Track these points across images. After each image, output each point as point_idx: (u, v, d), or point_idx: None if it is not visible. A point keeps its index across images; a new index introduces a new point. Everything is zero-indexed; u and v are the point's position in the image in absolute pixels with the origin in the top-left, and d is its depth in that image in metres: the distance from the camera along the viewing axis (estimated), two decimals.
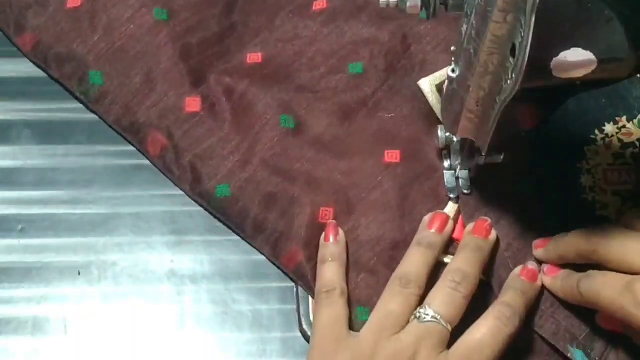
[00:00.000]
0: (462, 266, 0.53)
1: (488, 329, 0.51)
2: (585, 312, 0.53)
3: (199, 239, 0.61)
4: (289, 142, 0.61)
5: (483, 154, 0.52)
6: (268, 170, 0.60)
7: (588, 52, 0.42)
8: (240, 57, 0.65)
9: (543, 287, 0.55)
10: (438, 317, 0.51)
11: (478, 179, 0.59)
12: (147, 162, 0.63)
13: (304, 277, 0.58)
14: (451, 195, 0.59)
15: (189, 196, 0.61)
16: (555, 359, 0.55)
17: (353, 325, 0.55)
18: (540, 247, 0.55)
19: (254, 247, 0.60)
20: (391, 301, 0.52)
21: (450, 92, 0.52)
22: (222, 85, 0.63)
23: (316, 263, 0.57)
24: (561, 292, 0.53)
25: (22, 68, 0.66)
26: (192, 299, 0.59)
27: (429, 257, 0.54)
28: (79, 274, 0.58)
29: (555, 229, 0.56)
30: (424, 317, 0.51)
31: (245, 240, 0.60)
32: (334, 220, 0.58)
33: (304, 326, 0.57)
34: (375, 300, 0.54)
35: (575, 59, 0.42)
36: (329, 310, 0.53)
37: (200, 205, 0.61)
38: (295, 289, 0.58)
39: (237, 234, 0.60)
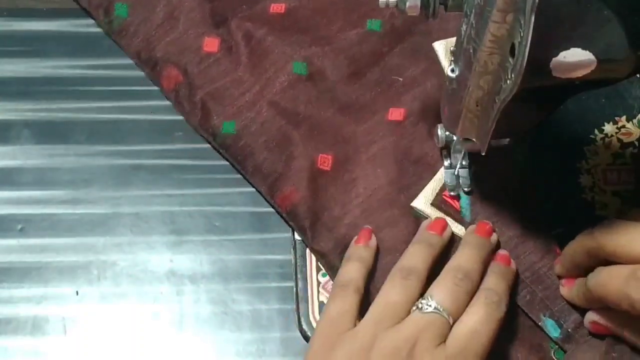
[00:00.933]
0: (464, 263, 0.53)
1: (480, 316, 0.51)
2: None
3: (199, 239, 0.61)
4: (299, 88, 0.63)
5: (483, 154, 0.52)
6: (274, 112, 0.61)
7: (588, 52, 0.42)
8: (263, 5, 0.66)
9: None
10: (441, 309, 0.50)
11: (478, 178, 0.59)
12: (147, 162, 0.63)
13: (296, 218, 0.59)
14: (452, 194, 0.59)
15: (195, 130, 0.63)
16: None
17: None
18: (558, 263, 0.56)
19: (252, 185, 0.61)
20: (391, 292, 0.52)
21: (450, 92, 0.52)
22: (242, 30, 0.65)
23: (310, 206, 0.58)
24: (576, 298, 0.54)
25: (22, 68, 0.66)
26: (191, 299, 0.59)
27: (429, 253, 0.54)
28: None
29: (555, 229, 0.56)
30: (427, 308, 0.50)
31: (245, 178, 0.62)
32: (369, 227, 0.58)
33: (304, 326, 0.57)
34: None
35: (575, 59, 0.42)
36: (340, 304, 0.53)
37: (206, 140, 0.63)
38: (295, 289, 0.58)
39: (238, 171, 0.62)
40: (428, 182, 0.59)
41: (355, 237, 0.57)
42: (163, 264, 0.60)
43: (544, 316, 0.55)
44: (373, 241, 0.57)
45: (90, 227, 0.61)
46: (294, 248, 0.60)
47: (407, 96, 0.62)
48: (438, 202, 0.59)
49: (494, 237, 0.56)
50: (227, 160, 0.62)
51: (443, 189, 0.59)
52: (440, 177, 0.59)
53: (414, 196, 0.59)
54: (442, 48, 0.60)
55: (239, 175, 0.63)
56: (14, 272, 0.59)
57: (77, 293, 0.58)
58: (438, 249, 0.55)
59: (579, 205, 0.59)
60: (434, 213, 0.58)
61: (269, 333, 0.58)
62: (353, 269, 0.55)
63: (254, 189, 0.62)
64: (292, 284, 0.59)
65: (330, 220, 0.59)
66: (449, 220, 0.58)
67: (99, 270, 0.59)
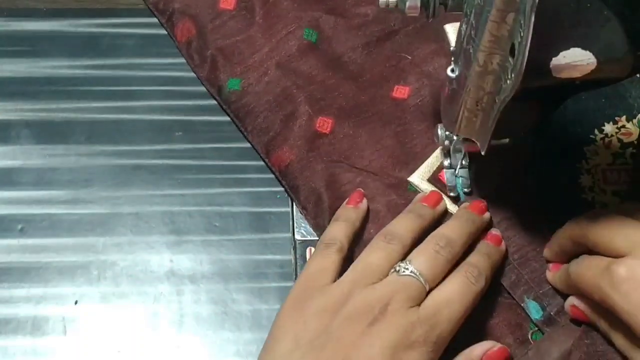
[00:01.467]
0: (448, 233, 0.54)
1: (457, 286, 0.51)
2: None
3: (199, 239, 0.61)
4: (307, 53, 0.64)
5: (483, 153, 0.52)
6: (280, 74, 0.63)
7: (587, 52, 0.42)
8: None
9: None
10: (417, 274, 0.51)
11: (478, 178, 0.59)
12: (146, 162, 0.63)
13: (287, 177, 0.60)
14: (451, 194, 0.59)
15: (200, 82, 0.65)
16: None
17: None
18: (547, 247, 0.56)
19: (249, 142, 0.62)
20: (372, 254, 0.53)
21: (450, 92, 0.52)
22: None
23: (304, 167, 0.59)
24: (558, 282, 0.55)
25: (22, 68, 0.66)
26: (191, 299, 0.59)
27: (417, 223, 0.55)
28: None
29: (555, 229, 0.56)
30: (403, 272, 0.51)
31: (243, 135, 0.63)
32: (361, 189, 0.59)
33: None
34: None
35: (575, 59, 0.42)
36: (321, 261, 0.54)
37: (211, 95, 0.64)
38: None
39: (237, 127, 0.63)
40: (425, 160, 0.60)
41: (347, 199, 0.58)
42: (163, 264, 0.60)
43: (528, 298, 0.56)
44: (363, 204, 0.58)
45: (90, 227, 0.61)
46: (294, 248, 0.60)
47: (414, 75, 0.63)
48: (433, 180, 0.60)
49: (487, 215, 0.57)
50: (229, 115, 0.64)
51: (440, 168, 0.60)
52: (437, 155, 0.60)
53: (410, 171, 0.60)
54: (452, 30, 0.60)
55: (239, 175, 0.63)
56: (14, 272, 0.59)
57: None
58: (428, 220, 0.56)
59: (579, 205, 0.59)
60: (429, 189, 0.59)
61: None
62: (338, 229, 0.56)
63: (254, 189, 0.62)
64: (292, 284, 0.59)
65: (322, 185, 0.59)
66: (444, 197, 0.58)
67: (99, 270, 0.59)
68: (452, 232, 0.54)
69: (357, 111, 0.62)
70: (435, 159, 0.60)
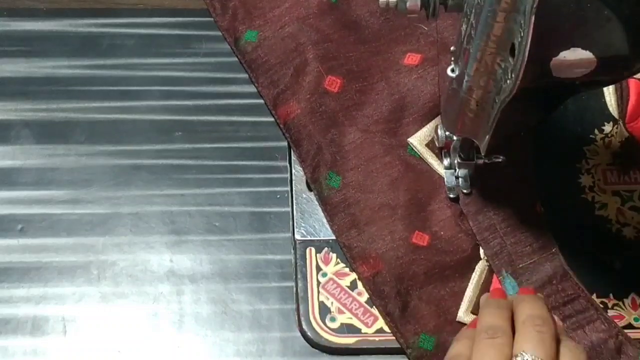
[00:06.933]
0: (536, 312, 0.51)
1: (571, 353, 0.49)
2: (538, 248, 0.56)
3: (199, 239, 0.61)
4: (326, 12, 0.65)
5: (483, 154, 0.52)
6: (296, 29, 0.64)
7: (587, 52, 0.42)
8: None
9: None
10: (537, 358, 0.48)
11: (478, 178, 0.59)
12: (146, 162, 0.63)
13: (293, 130, 0.61)
14: (451, 195, 0.59)
15: (219, 29, 0.66)
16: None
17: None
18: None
19: (258, 92, 0.64)
20: (485, 356, 0.49)
21: (450, 92, 0.52)
22: None
23: (307, 122, 0.61)
24: None
25: (21, 68, 0.66)
26: (191, 299, 0.59)
27: (505, 313, 0.52)
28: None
29: (554, 229, 0.56)
30: None
31: (254, 85, 0.64)
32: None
33: (304, 326, 0.57)
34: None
35: (575, 59, 0.42)
36: None
37: (227, 43, 0.66)
38: (295, 289, 0.58)
39: (248, 75, 0.65)
40: (427, 124, 0.61)
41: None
42: (163, 264, 0.60)
43: (506, 272, 0.56)
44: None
45: (90, 227, 0.61)
46: (294, 248, 0.60)
47: (427, 45, 0.64)
48: (432, 147, 0.61)
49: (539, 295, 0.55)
50: (242, 65, 0.65)
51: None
52: (439, 122, 0.60)
53: (411, 134, 0.61)
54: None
55: (239, 175, 0.63)
56: (13, 272, 0.59)
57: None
58: (510, 308, 0.53)
59: (579, 205, 0.59)
60: (426, 153, 0.60)
61: (269, 333, 0.58)
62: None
63: (253, 189, 0.62)
64: (292, 284, 0.59)
65: (324, 140, 0.61)
66: (435, 163, 0.60)
67: (98, 270, 0.59)
68: (536, 310, 0.51)
69: (367, 74, 0.63)
70: (437, 122, 0.61)
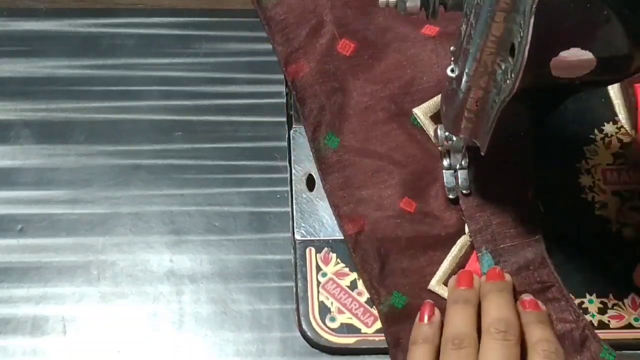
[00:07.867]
0: (500, 315, 0.52)
1: None
2: (522, 233, 0.57)
3: (198, 238, 0.61)
4: None
5: (482, 153, 0.52)
6: None
7: (587, 52, 0.42)
8: None
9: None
10: None
11: (477, 179, 0.59)
12: (146, 162, 0.63)
13: (299, 88, 0.62)
14: (450, 196, 0.59)
15: None
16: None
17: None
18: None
19: (272, 46, 0.65)
20: None
21: (450, 92, 0.52)
22: None
23: (314, 82, 0.62)
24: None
25: (21, 68, 0.66)
26: (191, 299, 0.59)
27: (471, 312, 0.53)
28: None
29: (554, 229, 0.56)
30: None
31: (270, 42, 0.65)
32: (430, 301, 0.56)
33: (304, 326, 0.57)
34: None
35: (575, 58, 0.42)
36: None
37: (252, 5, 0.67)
38: (295, 289, 0.58)
39: (266, 32, 0.65)
40: (434, 96, 0.62)
41: (418, 314, 0.55)
42: (163, 264, 0.60)
43: (486, 250, 0.57)
44: (437, 315, 0.55)
45: (89, 227, 0.61)
46: (294, 248, 0.60)
47: (445, 21, 0.63)
48: (435, 119, 0.61)
49: (507, 276, 0.56)
50: (261, 23, 0.66)
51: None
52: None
53: (417, 104, 0.62)
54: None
55: (239, 175, 0.63)
56: (13, 272, 0.59)
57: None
58: (476, 301, 0.54)
59: (579, 205, 0.59)
60: (428, 125, 0.61)
61: (269, 333, 0.58)
62: (421, 355, 0.53)
63: (253, 189, 0.62)
64: (292, 284, 0.59)
65: (329, 102, 0.61)
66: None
67: (98, 270, 0.59)
68: (501, 311, 0.52)
69: (381, 42, 0.64)
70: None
